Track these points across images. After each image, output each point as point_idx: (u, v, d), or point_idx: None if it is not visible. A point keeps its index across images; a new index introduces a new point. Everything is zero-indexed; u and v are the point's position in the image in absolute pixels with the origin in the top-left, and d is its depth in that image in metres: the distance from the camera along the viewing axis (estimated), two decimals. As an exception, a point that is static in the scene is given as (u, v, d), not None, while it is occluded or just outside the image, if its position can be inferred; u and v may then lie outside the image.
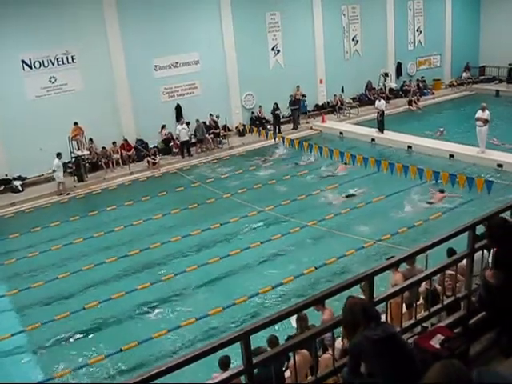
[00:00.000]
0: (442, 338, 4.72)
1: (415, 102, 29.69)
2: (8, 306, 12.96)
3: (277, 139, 22.66)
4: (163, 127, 24.26)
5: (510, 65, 32.52)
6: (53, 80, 21.79)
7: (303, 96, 28.07)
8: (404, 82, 32.17)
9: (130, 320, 11.88)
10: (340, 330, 6.92)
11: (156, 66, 24.10)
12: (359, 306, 4.13)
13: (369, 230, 14.90)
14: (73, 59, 22.07)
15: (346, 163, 19.52)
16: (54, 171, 20.49)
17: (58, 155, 20.38)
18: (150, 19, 23.23)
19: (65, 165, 21.26)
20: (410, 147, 22.23)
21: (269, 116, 26.52)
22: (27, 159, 20.99)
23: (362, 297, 5.02)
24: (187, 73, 24.89)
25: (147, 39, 23.29)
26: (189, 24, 24.33)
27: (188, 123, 23.88)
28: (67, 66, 22.00)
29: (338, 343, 7.32)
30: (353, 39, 30.24)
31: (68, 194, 20.58)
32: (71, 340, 11.34)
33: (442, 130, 23.96)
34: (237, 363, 5.61)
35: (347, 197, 17.59)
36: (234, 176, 21.05)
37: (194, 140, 24.15)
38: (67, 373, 10.19)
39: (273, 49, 27.44)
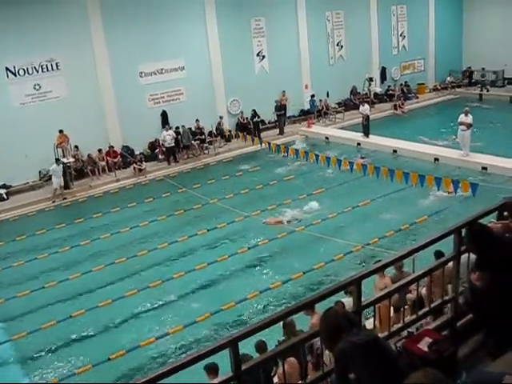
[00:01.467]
0: (430, 340, 4.73)
1: (400, 107, 29.92)
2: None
3: (262, 145, 22.67)
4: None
5: (483, 69, 33.01)
6: (37, 87, 21.65)
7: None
8: (388, 86, 32.41)
9: (118, 328, 11.79)
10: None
11: (141, 72, 24.04)
12: (341, 313, 4.21)
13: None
14: (57, 66, 21.94)
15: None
16: (50, 176, 20.49)
17: (57, 160, 20.28)
18: (135, 26, 23.17)
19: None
20: (395, 151, 22.37)
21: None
22: (12, 167, 20.80)
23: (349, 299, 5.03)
24: (173, 79, 24.86)
25: (132, 46, 23.23)
26: (174, 30, 24.33)
27: (177, 128, 23.91)
28: (52, 73, 21.86)
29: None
30: (337, 44, 30.41)
31: (65, 198, 20.48)
32: (58, 349, 11.21)
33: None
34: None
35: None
36: (221, 181, 21.03)
37: (174, 145, 23.90)
38: (54, 382, 10.09)
39: (258, 54, 27.51)
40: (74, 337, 11.56)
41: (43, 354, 11.10)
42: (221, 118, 25.75)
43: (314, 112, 28.93)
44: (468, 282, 5.04)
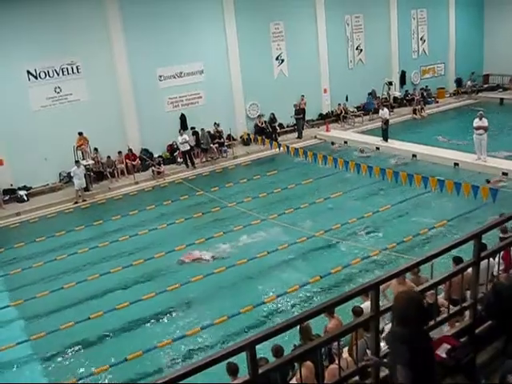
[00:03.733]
0: (449, 347, 4.69)
1: (419, 111, 29.73)
2: (13, 316, 12.91)
3: (281, 148, 22.66)
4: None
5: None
6: (58, 90, 21.90)
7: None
8: (407, 90, 32.21)
9: (135, 329, 11.84)
10: (347, 338, 6.94)
11: (160, 76, 24.20)
12: (423, 305, 4.22)
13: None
14: (78, 69, 22.18)
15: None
16: (71, 177, 20.81)
17: (77, 162, 20.49)
18: (155, 30, 23.35)
19: (69, 174, 21.31)
20: (414, 156, 22.22)
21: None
22: (32, 169, 21.13)
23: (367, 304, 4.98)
24: (191, 83, 24.99)
25: (152, 49, 23.41)
26: (193, 34, 24.46)
27: (192, 128, 24.03)
28: (72, 76, 22.11)
29: (345, 353, 7.29)
30: (357, 48, 30.33)
31: (85, 200, 20.67)
32: (76, 349, 11.29)
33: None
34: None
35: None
36: (239, 185, 21.08)
37: (189, 149, 23.90)
38: (73, 382, 10.16)
39: (277, 58, 27.53)
40: (92, 337, 11.62)
41: (61, 354, 11.17)
42: (217, 124, 25.28)
43: (372, 109, 29.20)
44: (492, 287, 4.96)
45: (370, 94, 30.30)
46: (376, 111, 27.08)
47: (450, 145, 23.41)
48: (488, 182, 17.61)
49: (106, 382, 10.14)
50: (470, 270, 5.61)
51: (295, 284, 12.81)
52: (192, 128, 24.26)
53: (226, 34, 25.52)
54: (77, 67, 22.15)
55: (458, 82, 34.24)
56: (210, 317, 11.81)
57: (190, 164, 23.68)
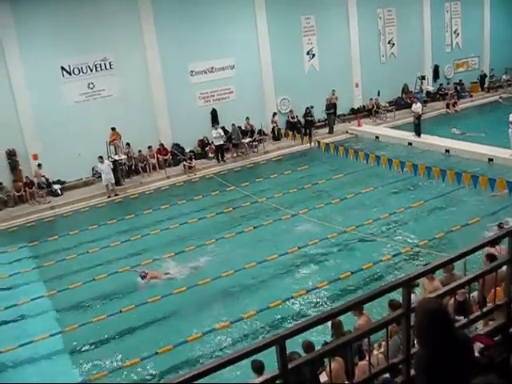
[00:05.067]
0: (482, 346, 4.62)
1: (453, 106, 29.27)
2: (46, 307, 13.18)
3: (312, 143, 22.58)
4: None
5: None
6: (91, 86, 22.21)
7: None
8: (441, 84, 31.71)
9: (166, 323, 11.95)
10: (378, 335, 6.88)
11: (192, 71, 24.33)
12: (444, 319, 3.33)
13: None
14: (110, 65, 22.46)
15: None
16: (99, 174, 21.19)
17: (101, 158, 20.74)
18: (186, 25, 23.47)
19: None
20: (447, 151, 21.89)
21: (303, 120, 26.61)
22: (66, 164, 21.47)
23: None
24: (223, 78, 25.07)
25: (183, 45, 23.54)
26: (224, 29, 24.50)
27: (223, 128, 24.10)
28: (105, 72, 22.39)
29: (376, 349, 7.24)
30: (389, 42, 29.98)
31: (116, 194, 20.95)
32: (108, 342, 11.45)
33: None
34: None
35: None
36: (269, 180, 21.09)
37: (222, 144, 23.93)
38: (104, 375, 10.31)
39: (308, 53, 27.40)
40: (123, 330, 11.76)
41: (93, 346, 11.35)
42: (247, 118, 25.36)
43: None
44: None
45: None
46: (409, 106, 26.69)
47: (464, 137, 23.38)
48: None
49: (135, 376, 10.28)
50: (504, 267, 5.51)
51: (325, 280, 12.77)
52: (222, 128, 24.28)
53: (257, 28, 25.50)
54: (109, 63, 22.42)
55: (482, 78, 33.29)
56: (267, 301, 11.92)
57: (220, 159, 23.76)
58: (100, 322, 11.99)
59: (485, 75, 33.23)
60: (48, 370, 10.64)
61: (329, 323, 7.66)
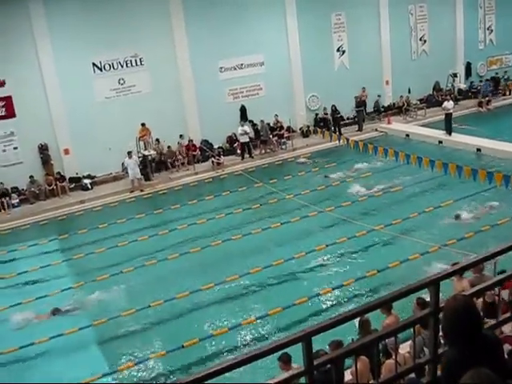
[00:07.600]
0: (510, 347, 4.54)
1: (486, 104, 28.76)
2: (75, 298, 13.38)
3: (341, 141, 22.42)
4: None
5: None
6: (122, 82, 22.44)
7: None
8: (471, 82, 31.17)
9: (193, 318, 12.03)
10: (405, 334, 6.82)
11: (221, 67, 24.39)
12: (472, 315, 3.27)
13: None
14: (141, 61, 22.66)
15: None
16: (126, 169, 21.44)
17: (129, 153, 20.94)
18: (216, 22, 23.51)
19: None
20: (479, 150, 21.51)
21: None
22: (96, 158, 21.71)
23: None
24: (252, 74, 25.06)
25: (212, 41, 23.59)
26: (254, 26, 24.49)
27: (251, 121, 24.13)
28: (135, 68, 22.60)
29: (402, 349, 7.18)
30: (420, 39, 29.57)
31: (142, 190, 21.13)
32: (135, 335, 11.60)
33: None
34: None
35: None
36: (297, 177, 21.03)
37: (248, 141, 23.91)
38: (130, 366, 10.45)
39: (338, 50, 27.21)
40: (150, 324, 11.91)
41: (122, 338, 11.52)
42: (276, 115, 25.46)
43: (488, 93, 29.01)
44: None
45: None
46: (440, 103, 26.27)
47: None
48: None
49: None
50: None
51: (350, 278, 12.70)
52: (250, 121, 24.31)
53: (287, 25, 25.42)
54: (140, 59, 22.62)
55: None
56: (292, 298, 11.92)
57: (247, 155, 23.76)
58: (128, 316, 12.16)
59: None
60: (77, 363, 10.76)
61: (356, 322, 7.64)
